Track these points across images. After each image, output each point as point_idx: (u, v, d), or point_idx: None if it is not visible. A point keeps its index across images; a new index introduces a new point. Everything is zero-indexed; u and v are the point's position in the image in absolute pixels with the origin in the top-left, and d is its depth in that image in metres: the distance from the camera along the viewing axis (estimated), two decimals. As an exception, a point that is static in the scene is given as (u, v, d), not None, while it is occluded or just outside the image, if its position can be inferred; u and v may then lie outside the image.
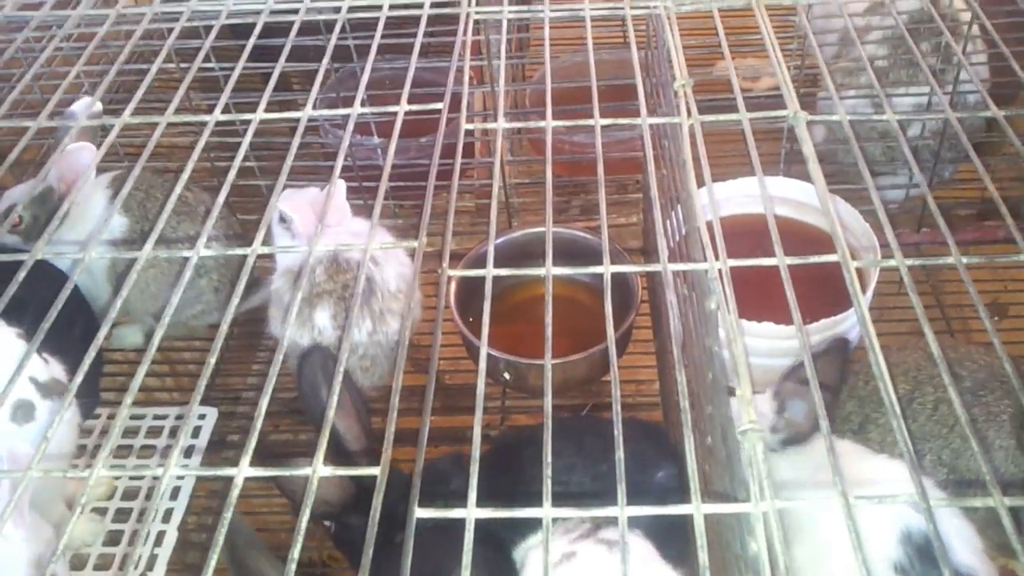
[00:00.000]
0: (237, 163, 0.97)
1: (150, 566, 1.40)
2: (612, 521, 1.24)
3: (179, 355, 1.98)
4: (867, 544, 0.59)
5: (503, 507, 0.63)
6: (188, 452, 1.59)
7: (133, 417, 1.67)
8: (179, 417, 1.64)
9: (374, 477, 0.61)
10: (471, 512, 0.63)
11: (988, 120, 2.00)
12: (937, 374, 1.34)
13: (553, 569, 1.08)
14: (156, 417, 1.67)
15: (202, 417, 1.65)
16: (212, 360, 0.74)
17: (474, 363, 1.76)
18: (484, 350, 0.76)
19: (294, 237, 1.56)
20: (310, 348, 1.45)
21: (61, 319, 0.84)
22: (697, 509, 0.61)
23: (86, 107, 1.50)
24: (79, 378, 0.76)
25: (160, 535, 1.44)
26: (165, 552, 1.41)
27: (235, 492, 0.65)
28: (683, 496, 0.62)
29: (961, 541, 1.09)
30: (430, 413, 0.72)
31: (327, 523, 1.32)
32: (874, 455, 1.25)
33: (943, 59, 1.86)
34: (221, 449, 1.72)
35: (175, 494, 1.50)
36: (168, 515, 1.47)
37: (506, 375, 1.61)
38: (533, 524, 1.16)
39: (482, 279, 0.80)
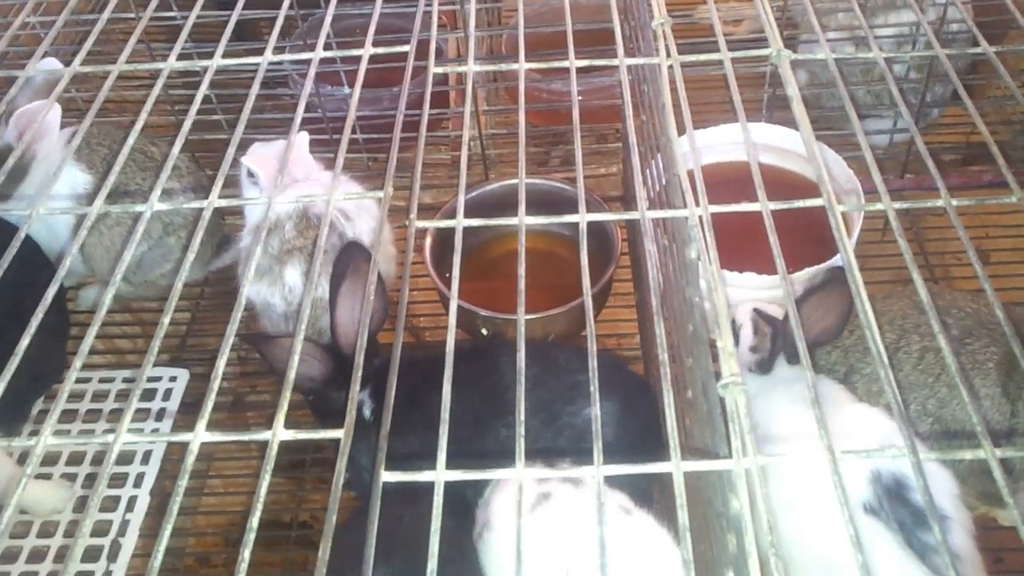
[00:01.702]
0: (192, 113, 0.91)
1: (122, 532, 1.37)
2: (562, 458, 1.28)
3: (151, 316, 1.94)
4: (830, 490, 0.56)
5: (473, 469, 0.60)
6: (160, 415, 1.55)
7: (102, 380, 1.63)
8: (149, 379, 1.60)
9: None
10: (440, 475, 0.59)
11: (972, 62, 1.97)
12: (923, 322, 1.33)
13: (530, 512, 1.10)
14: (126, 380, 1.63)
15: (173, 379, 1.61)
16: (165, 320, 0.70)
17: (452, 319, 1.73)
18: (454, 303, 0.72)
19: (262, 192, 1.51)
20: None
21: (22, 280, 0.79)
22: (677, 467, 0.58)
23: (47, 65, 1.44)
24: (24, 342, 0.72)
25: (132, 500, 1.41)
26: (137, 518, 1.38)
27: (190, 459, 0.62)
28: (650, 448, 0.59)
29: (935, 486, 1.09)
30: (397, 372, 0.69)
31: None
32: (852, 401, 1.24)
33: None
34: (196, 411, 1.68)
35: (146, 459, 1.47)
36: (140, 480, 1.44)
37: (484, 330, 1.58)
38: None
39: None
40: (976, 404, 0.74)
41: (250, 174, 1.56)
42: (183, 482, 0.60)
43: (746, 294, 1.44)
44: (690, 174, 0.80)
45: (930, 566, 1.04)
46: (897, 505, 1.07)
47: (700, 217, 0.75)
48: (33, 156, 1.60)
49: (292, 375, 0.65)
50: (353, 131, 1.96)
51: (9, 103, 1.08)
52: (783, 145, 1.69)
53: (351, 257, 1.35)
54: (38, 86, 1.53)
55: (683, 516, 0.55)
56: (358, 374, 0.67)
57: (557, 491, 1.09)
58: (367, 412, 1.36)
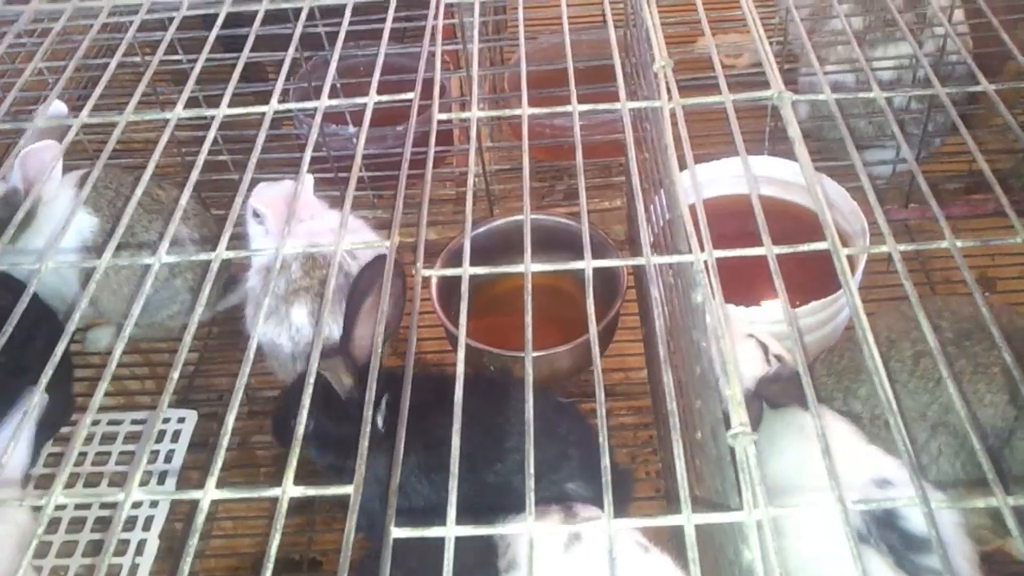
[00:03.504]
0: (201, 160, 0.92)
1: (131, 576, 1.36)
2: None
3: (160, 357, 1.94)
4: (829, 516, 0.56)
5: (484, 524, 0.60)
6: (168, 457, 1.55)
7: (111, 422, 1.63)
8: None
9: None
10: (450, 530, 0.59)
11: (971, 92, 1.98)
12: (912, 328, 1.30)
13: (564, 552, 1.10)
14: (134, 422, 1.63)
15: (181, 420, 1.61)
16: (175, 375, 0.70)
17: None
18: (462, 350, 0.72)
19: (268, 233, 1.52)
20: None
21: (20, 333, 0.79)
22: (688, 520, 0.57)
23: (55, 111, 1.46)
24: (38, 394, 0.72)
25: (141, 544, 1.41)
26: (147, 562, 1.38)
27: (201, 517, 0.61)
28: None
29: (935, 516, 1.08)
30: (407, 417, 0.69)
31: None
32: (850, 435, 1.21)
33: (919, 20, 1.83)
34: (204, 451, 1.68)
35: (155, 502, 1.46)
36: (149, 523, 1.43)
37: (491, 368, 1.58)
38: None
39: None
40: (974, 420, 0.73)
41: (255, 214, 1.58)
42: (194, 540, 0.60)
43: (751, 329, 1.44)
44: (693, 215, 0.81)
45: None
46: (886, 530, 1.07)
47: (705, 262, 0.75)
48: (39, 199, 1.61)
49: (300, 432, 0.65)
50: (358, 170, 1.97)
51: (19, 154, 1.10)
52: (786, 178, 1.69)
53: (377, 273, 1.33)
54: (46, 134, 1.55)
55: (696, 571, 0.55)
56: (369, 412, 0.66)
57: (587, 532, 1.10)
58: (379, 421, 1.33)
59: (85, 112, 1.02)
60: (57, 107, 1.42)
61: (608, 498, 0.60)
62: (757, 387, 1.21)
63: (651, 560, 1.11)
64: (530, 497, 0.61)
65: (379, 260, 1.36)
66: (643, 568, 1.10)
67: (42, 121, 1.06)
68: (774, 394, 1.19)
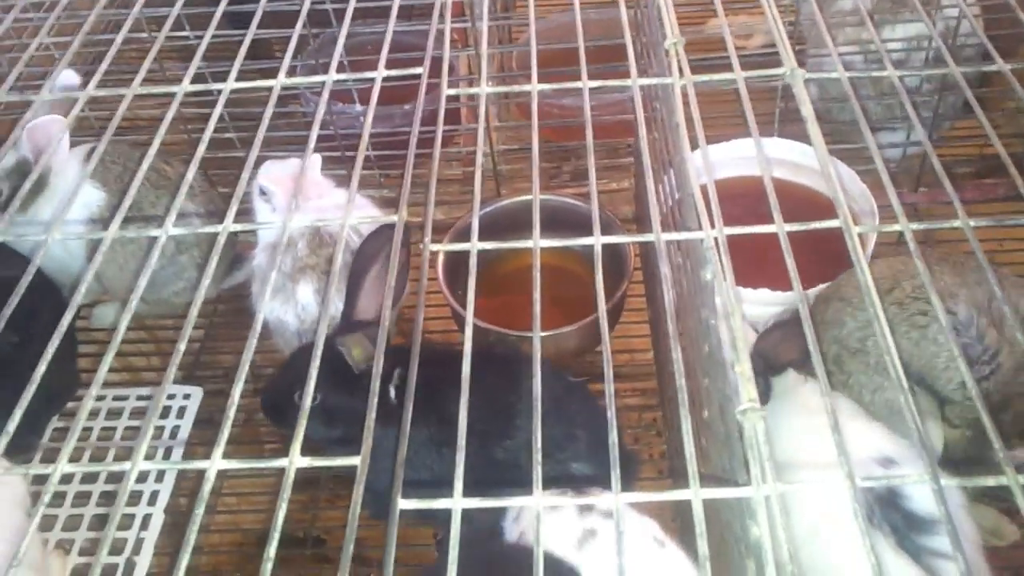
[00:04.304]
0: (207, 136, 0.92)
1: (136, 550, 1.37)
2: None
3: (165, 334, 1.94)
4: (833, 494, 0.56)
5: (491, 497, 0.60)
6: (174, 433, 1.56)
7: (116, 398, 1.64)
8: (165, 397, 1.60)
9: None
10: (457, 502, 0.59)
11: (983, 74, 1.96)
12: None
13: (579, 549, 1.08)
14: (140, 398, 1.63)
15: (187, 397, 1.62)
16: (181, 347, 0.70)
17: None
18: (469, 328, 0.72)
19: (274, 211, 1.52)
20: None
21: (25, 307, 0.79)
22: (696, 495, 0.57)
23: (65, 80, 1.46)
24: (42, 366, 0.72)
25: (146, 518, 1.41)
26: (152, 535, 1.38)
27: (207, 487, 0.61)
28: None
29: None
30: (413, 397, 0.68)
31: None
32: (850, 415, 1.21)
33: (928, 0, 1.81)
34: (210, 428, 1.69)
35: (160, 477, 1.47)
36: (154, 497, 1.44)
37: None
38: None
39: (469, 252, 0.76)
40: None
41: (262, 192, 1.57)
42: (200, 510, 0.60)
43: (760, 311, 1.43)
44: (704, 192, 0.80)
45: (924, 567, 1.03)
46: (889, 511, 1.07)
47: (715, 239, 0.75)
48: (49, 169, 1.62)
49: (307, 404, 0.65)
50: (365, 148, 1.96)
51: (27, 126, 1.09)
52: (795, 159, 1.68)
53: (383, 243, 1.32)
54: (53, 105, 1.54)
55: (703, 546, 0.54)
56: (376, 384, 0.66)
57: (601, 527, 1.08)
58: (392, 392, 1.32)
59: (91, 86, 1.02)
60: (67, 76, 1.42)
61: (615, 473, 0.59)
62: (757, 341, 1.20)
63: (667, 555, 1.09)
64: (537, 471, 0.60)
65: (382, 230, 1.35)
66: (660, 564, 1.08)
67: (48, 94, 1.05)
68: (774, 345, 1.18)
